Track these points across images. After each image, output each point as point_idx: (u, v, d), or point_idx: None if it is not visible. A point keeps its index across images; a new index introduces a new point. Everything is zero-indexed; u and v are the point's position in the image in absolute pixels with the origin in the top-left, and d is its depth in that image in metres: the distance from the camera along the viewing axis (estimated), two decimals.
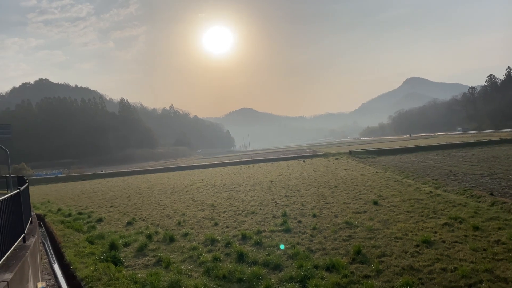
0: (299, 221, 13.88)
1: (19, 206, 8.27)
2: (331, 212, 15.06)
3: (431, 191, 17.73)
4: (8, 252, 6.66)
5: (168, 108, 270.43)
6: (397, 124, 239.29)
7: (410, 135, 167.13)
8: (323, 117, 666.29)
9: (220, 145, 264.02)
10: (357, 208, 15.29)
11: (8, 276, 5.74)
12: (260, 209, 16.99)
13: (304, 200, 18.32)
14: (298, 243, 11.17)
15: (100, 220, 18.23)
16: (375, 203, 15.93)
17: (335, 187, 21.92)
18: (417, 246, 9.94)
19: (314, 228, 12.64)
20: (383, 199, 16.85)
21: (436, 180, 20.84)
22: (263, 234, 12.46)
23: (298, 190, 21.77)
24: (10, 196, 7.38)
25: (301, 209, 16.19)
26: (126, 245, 12.79)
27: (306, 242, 11.22)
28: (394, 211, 14.17)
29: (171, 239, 12.88)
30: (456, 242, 10.02)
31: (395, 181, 22.53)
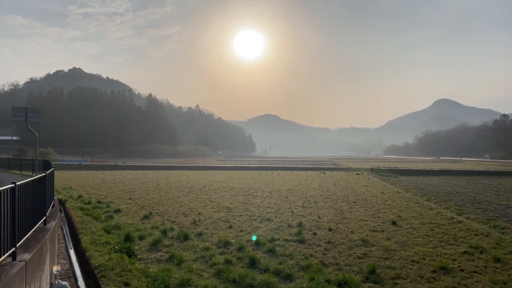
0: (314, 233, 13.74)
1: (44, 189, 8.51)
2: (348, 227, 14.84)
3: (453, 217, 17.22)
4: (29, 233, 6.85)
5: (193, 108, 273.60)
6: (422, 145, 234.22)
7: (438, 157, 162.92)
8: (347, 131, 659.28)
9: (241, 148, 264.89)
10: (374, 226, 15.01)
11: (27, 256, 5.91)
12: (276, 216, 16.92)
13: (321, 212, 18.13)
14: (311, 255, 11.05)
15: (118, 210, 18.54)
16: (394, 223, 15.61)
17: (354, 202, 21.61)
18: (434, 272, 9.66)
19: (329, 242, 12.48)
20: (402, 220, 16.49)
21: (459, 206, 20.25)
22: (276, 242, 12.39)
23: (315, 202, 21.57)
24: (36, 178, 7.61)
25: (317, 221, 16.02)
26: (141, 238, 12.95)
27: (320, 255, 11.09)
28: (412, 234, 13.83)
29: (185, 237, 12.97)
30: (475, 272, 9.69)
31: (416, 202, 22.02)
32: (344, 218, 16.79)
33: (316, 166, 65.07)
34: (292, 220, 16.02)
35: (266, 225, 15.17)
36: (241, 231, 14.15)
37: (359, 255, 11.13)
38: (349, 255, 11.13)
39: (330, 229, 14.36)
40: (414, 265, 10.20)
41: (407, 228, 14.73)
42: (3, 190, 5.26)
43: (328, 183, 33.66)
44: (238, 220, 16.06)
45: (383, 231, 14.25)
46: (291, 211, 18.42)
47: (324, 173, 49.97)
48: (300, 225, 14.96)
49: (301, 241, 12.56)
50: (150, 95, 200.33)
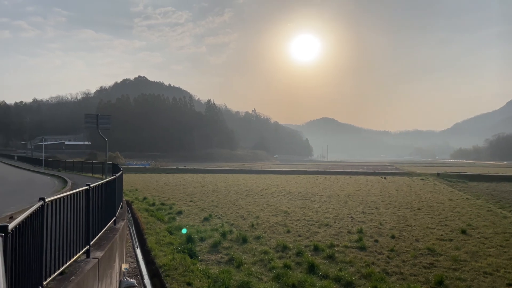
0: (376, 240, 13.25)
1: (114, 191, 9.06)
2: (412, 235, 14.13)
3: None
4: (101, 232, 7.32)
5: (250, 112, 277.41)
6: (494, 148, 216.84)
7: None
8: (410, 134, 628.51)
9: (298, 152, 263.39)
10: (441, 235, 14.14)
11: (99, 254, 6.31)
12: (335, 222, 16.56)
13: (382, 219, 17.45)
14: (373, 263, 10.66)
15: (180, 212, 19.25)
16: (463, 232, 14.59)
17: (418, 209, 20.54)
18: (509, 285, 8.90)
19: (392, 250, 11.96)
20: (473, 228, 15.36)
21: None
22: (336, 249, 12.12)
23: (376, 208, 20.82)
24: (107, 181, 8.13)
25: (378, 228, 15.44)
26: (202, 239, 13.32)
27: (382, 264, 10.66)
28: (484, 244, 12.83)
29: (244, 240, 13.13)
30: None
31: (488, 210, 20.42)
32: (408, 225, 16.01)
33: (376, 171, 62.88)
34: (352, 226, 15.59)
35: (325, 230, 14.91)
36: (299, 235, 14.04)
37: (425, 264, 10.54)
38: (414, 264, 10.58)
39: (392, 237, 13.76)
40: (486, 277, 9.45)
41: (478, 238, 13.71)
42: (79, 191, 5.67)
43: (389, 189, 32.36)
44: (296, 225, 15.95)
45: (451, 240, 13.38)
46: (351, 217, 17.94)
47: (385, 178, 48.12)
48: (360, 231, 14.52)
49: (362, 248, 12.17)
50: (209, 100, 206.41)
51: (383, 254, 11.60)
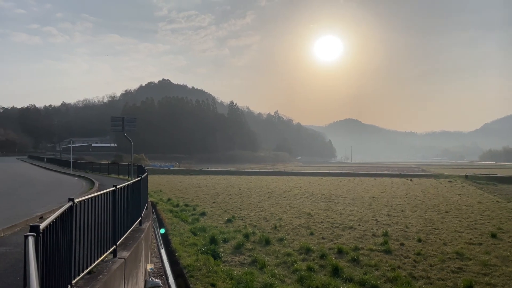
0: (402, 244, 12.98)
1: (139, 192, 9.22)
2: (440, 239, 13.76)
3: None
4: (127, 232, 7.46)
5: (273, 114, 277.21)
6: None
7: None
8: (437, 135, 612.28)
9: (321, 154, 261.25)
10: (470, 239, 13.72)
11: (125, 254, 6.43)
12: (359, 225, 16.33)
13: (408, 222, 17.08)
14: (399, 267, 10.45)
15: (203, 213, 19.42)
16: (493, 236, 14.11)
17: (446, 212, 19.99)
18: None
19: (418, 254, 11.69)
20: (504, 232, 14.83)
21: None
22: (360, 252, 11.94)
23: (402, 211, 20.40)
24: (133, 182, 8.29)
25: (404, 231, 15.12)
26: (225, 241, 13.39)
27: (409, 267, 10.43)
28: None
29: (267, 242, 13.11)
30: None
31: None
32: (435, 228, 15.61)
33: (402, 173, 61.64)
34: (377, 229, 15.33)
35: (349, 233, 14.72)
36: (323, 238, 13.91)
37: (453, 269, 10.25)
38: (441, 268, 10.31)
39: (419, 240, 13.45)
40: None
41: (509, 242, 13.22)
42: (106, 192, 5.80)
43: (416, 191, 31.65)
44: (319, 227, 15.81)
45: (480, 244, 12.96)
46: (376, 219, 17.64)
47: (411, 180, 47.12)
48: (385, 234, 14.26)
49: (387, 252, 11.95)
50: (231, 102, 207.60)
51: (410, 258, 11.36)
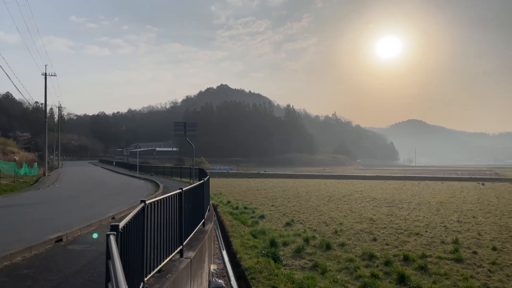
0: (474, 252, 12.11)
1: (203, 194, 9.51)
2: None
3: None
4: (192, 233, 7.72)
5: (330, 116, 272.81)
6: None
7: None
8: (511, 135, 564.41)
9: (382, 157, 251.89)
10: None
11: (191, 254, 6.65)
12: (426, 231, 15.48)
13: (481, 229, 15.89)
14: (472, 277, 9.76)
15: (262, 216, 19.56)
16: None
17: None
18: None
19: (493, 263, 10.83)
20: None
21: None
22: (428, 259, 11.31)
23: (474, 217, 19.03)
24: (197, 185, 8.57)
25: (477, 238, 14.09)
26: (285, 244, 13.37)
27: (483, 277, 9.70)
28: None
29: (328, 247, 12.88)
30: None
31: None
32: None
33: (472, 176, 57.63)
34: (446, 236, 14.44)
35: (415, 240, 14.02)
36: (387, 244, 13.38)
37: None
38: None
39: (494, 249, 12.46)
40: None
41: None
42: (173, 194, 6.05)
43: (489, 196, 29.39)
44: (383, 233, 15.23)
45: None
46: (444, 226, 16.63)
47: (483, 184, 43.85)
48: (456, 242, 13.39)
49: (458, 260, 11.21)
50: (288, 105, 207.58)
51: (483, 267, 10.56)
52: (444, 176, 59.63)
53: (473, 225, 16.67)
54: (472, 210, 21.50)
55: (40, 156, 65.13)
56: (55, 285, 5.33)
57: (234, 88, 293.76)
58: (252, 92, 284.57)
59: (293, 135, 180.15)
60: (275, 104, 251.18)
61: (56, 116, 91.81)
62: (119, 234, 3.12)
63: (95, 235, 9.02)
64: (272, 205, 23.97)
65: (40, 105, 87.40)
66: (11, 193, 21.64)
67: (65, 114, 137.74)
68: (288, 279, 9.36)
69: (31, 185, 28.42)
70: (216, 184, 42.87)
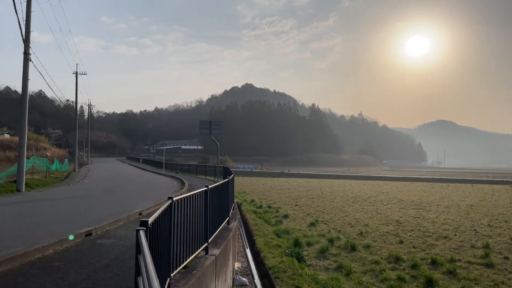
0: (506, 257, 11.68)
1: (227, 192, 9.58)
2: None
3: None
4: (217, 231, 7.79)
5: (356, 116, 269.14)
6: None
7: None
8: None
9: (409, 158, 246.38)
10: None
11: (216, 251, 6.71)
12: (455, 235, 15.05)
13: None
14: (503, 283, 9.44)
15: (286, 216, 19.51)
16: None
17: None
18: None
19: None
20: None
21: None
22: (457, 264, 11.00)
23: (506, 221, 18.34)
24: (222, 183, 8.64)
25: (509, 243, 13.58)
26: (309, 244, 13.30)
27: None
28: None
29: (352, 248, 12.73)
30: None
31: None
32: None
33: (504, 179, 55.52)
34: (476, 240, 13.99)
35: (444, 243, 13.65)
36: (414, 247, 13.09)
37: None
38: None
39: None
40: None
41: None
42: (199, 192, 6.12)
43: None
44: (410, 236, 14.91)
45: None
46: (474, 229, 16.11)
47: None
48: (486, 246, 12.95)
49: (489, 265, 10.85)
50: (313, 105, 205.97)
51: None
52: (474, 178, 57.74)
53: (504, 230, 16.08)
54: (503, 214, 20.73)
55: (70, 152, 67.35)
56: (84, 278, 5.49)
57: (259, 87, 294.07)
58: (276, 91, 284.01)
59: (317, 135, 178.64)
60: (300, 104, 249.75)
61: (86, 114, 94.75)
62: (148, 229, 3.18)
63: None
64: (296, 205, 23.87)
65: (71, 103, 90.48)
66: (43, 188, 22.45)
67: (95, 111, 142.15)
68: (312, 280, 9.31)
69: (62, 180, 29.39)
70: (240, 183, 43.05)
